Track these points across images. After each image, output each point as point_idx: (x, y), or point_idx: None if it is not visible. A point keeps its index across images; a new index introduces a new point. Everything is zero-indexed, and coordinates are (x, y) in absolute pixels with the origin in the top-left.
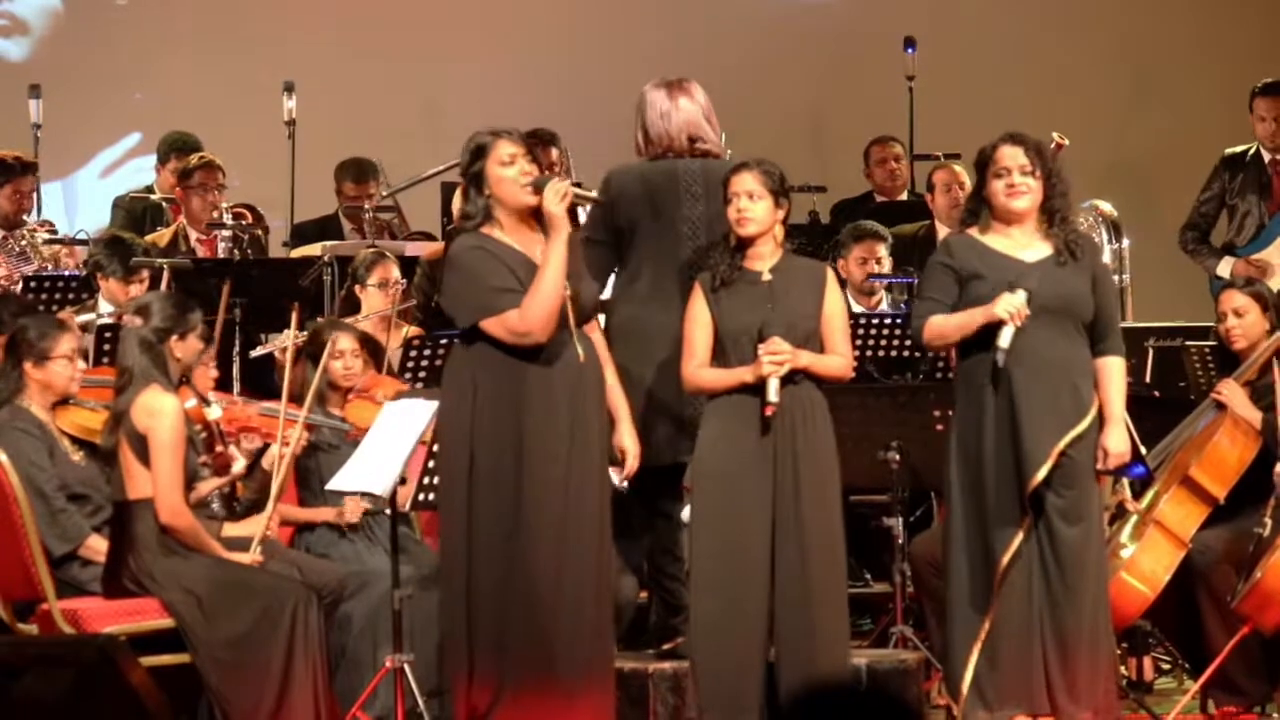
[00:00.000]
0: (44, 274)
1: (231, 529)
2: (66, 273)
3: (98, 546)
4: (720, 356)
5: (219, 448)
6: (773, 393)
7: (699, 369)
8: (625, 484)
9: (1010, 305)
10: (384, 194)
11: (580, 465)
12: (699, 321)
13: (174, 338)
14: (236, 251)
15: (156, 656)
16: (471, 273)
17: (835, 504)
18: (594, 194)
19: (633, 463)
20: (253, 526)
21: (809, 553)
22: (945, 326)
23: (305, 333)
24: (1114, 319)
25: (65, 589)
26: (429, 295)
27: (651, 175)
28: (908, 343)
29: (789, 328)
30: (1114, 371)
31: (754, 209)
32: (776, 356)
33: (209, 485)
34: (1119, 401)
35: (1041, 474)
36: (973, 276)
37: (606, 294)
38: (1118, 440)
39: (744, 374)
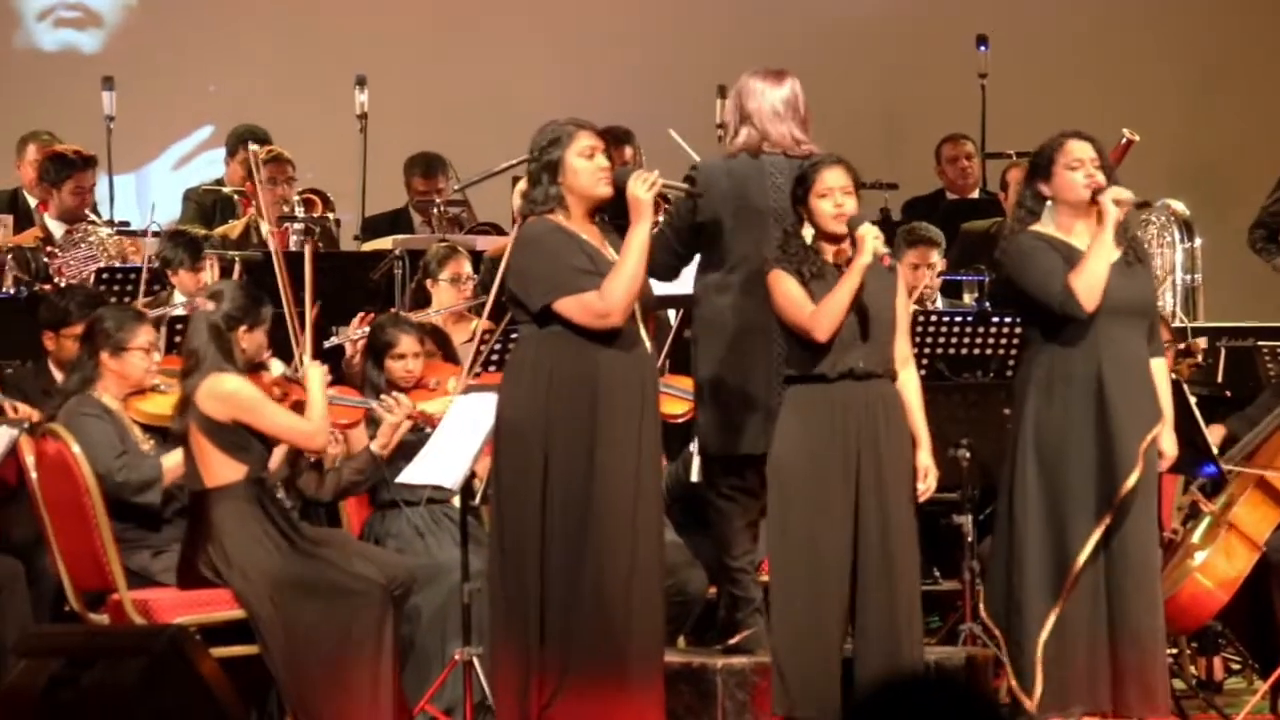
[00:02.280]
0: (115, 267)
1: None
2: (136, 265)
3: (177, 462)
4: (808, 349)
5: (294, 394)
6: (883, 246)
7: (814, 311)
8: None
9: (1118, 196)
10: (454, 188)
11: (648, 455)
12: (800, 294)
13: (243, 328)
14: (308, 244)
15: (227, 647)
16: (550, 253)
17: (913, 501)
18: (684, 185)
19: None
20: None
21: (891, 549)
22: (1087, 271)
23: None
24: (1158, 321)
25: (136, 580)
26: (494, 290)
27: (738, 169)
28: (978, 340)
29: (874, 320)
30: (1163, 373)
31: (848, 204)
32: (880, 239)
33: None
34: (1168, 402)
35: (1135, 477)
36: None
37: (687, 287)
38: (1171, 442)
39: (856, 269)
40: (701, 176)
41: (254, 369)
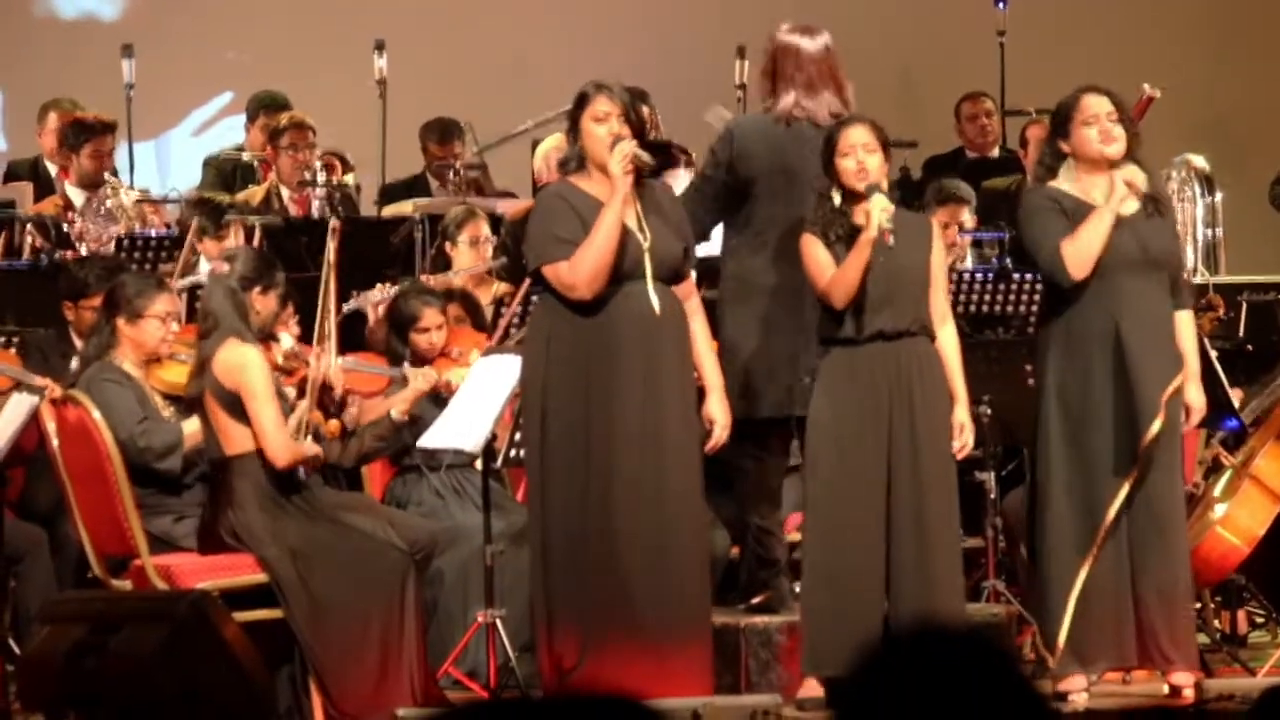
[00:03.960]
0: (135, 234)
1: None
2: (157, 232)
3: (193, 428)
4: (835, 313)
5: (301, 370)
6: (888, 221)
7: (830, 279)
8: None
9: (1131, 179)
10: (473, 151)
11: (656, 418)
12: (825, 260)
13: (256, 290)
14: (329, 210)
15: (250, 612)
16: (543, 219)
17: (950, 457)
18: (647, 158)
19: (720, 433)
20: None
21: (926, 507)
22: (1081, 239)
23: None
24: (1183, 273)
25: (158, 545)
26: (511, 253)
27: (774, 130)
28: (998, 297)
29: (901, 279)
30: (1189, 326)
31: (871, 162)
32: (886, 212)
33: (301, 409)
34: (1196, 356)
35: (1157, 426)
36: (1076, 221)
37: (715, 247)
38: (1198, 394)
39: (863, 243)
40: (736, 136)
41: (264, 339)
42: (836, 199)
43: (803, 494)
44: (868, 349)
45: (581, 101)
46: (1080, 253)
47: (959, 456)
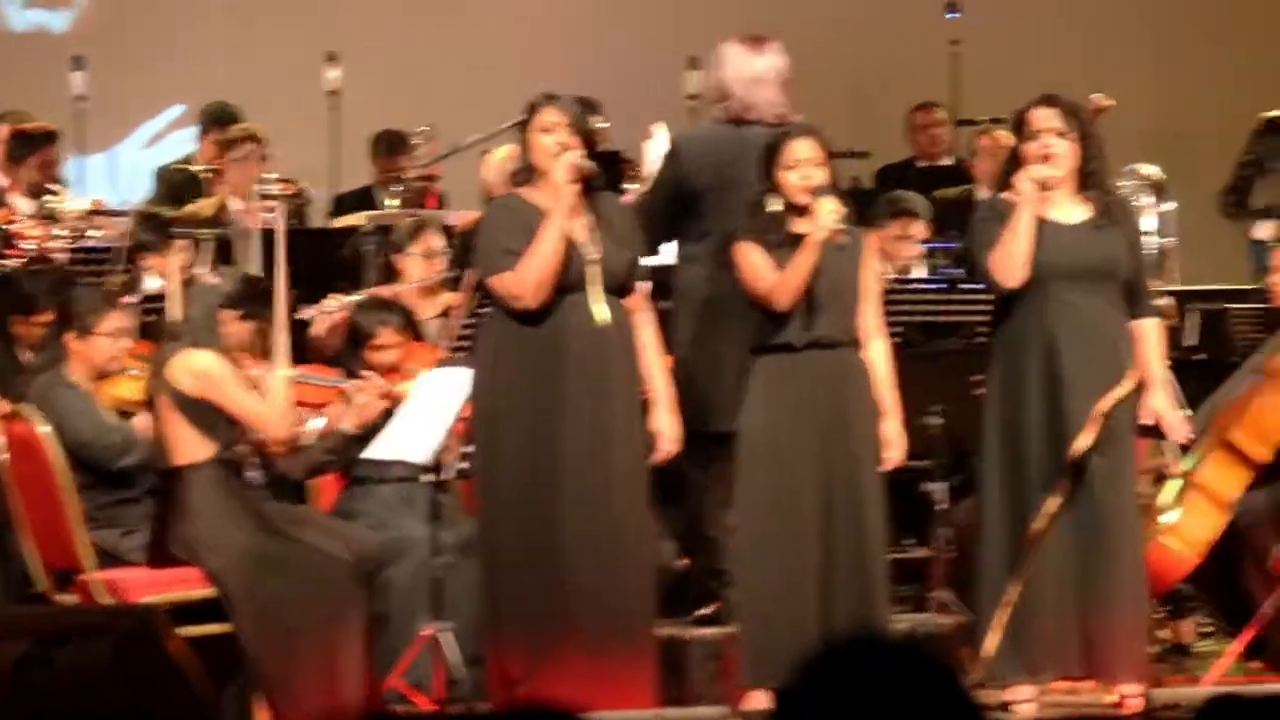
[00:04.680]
0: (85, 246)
1: None
2: (108, 245)
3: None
4: (773, 320)
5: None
6: (838, 222)
7: (774, 282)
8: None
9: (1034, 174)
10: (421, 163)
11: (602, 430)
12: (764, 264)
13: (238, 313)
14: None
15: (198, 626)
16: (490, 231)
17: (881, 469)
18: (590, 165)
19: (668, 445)
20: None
21: (860, 518)
22: (1002, 244)
23: (348, 301)
24: (1146, 282)
25: (106, 559)
26: (463, 265)
27: (719, 141)
28: (949, 307)
29: (838, 289)
30: (1152, 334)
31: (817, 175)
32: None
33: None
34: (1160, 363)
35: (1086, 439)
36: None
37: (672, 259)
38: (1164, 402)
39: (811, 244)
40: (681, 148)
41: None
42: (776, 207)
43: (737, 503)
44: (804, 356)
45: (530, 113)
46: (1004, 258)
47: (887, 468)
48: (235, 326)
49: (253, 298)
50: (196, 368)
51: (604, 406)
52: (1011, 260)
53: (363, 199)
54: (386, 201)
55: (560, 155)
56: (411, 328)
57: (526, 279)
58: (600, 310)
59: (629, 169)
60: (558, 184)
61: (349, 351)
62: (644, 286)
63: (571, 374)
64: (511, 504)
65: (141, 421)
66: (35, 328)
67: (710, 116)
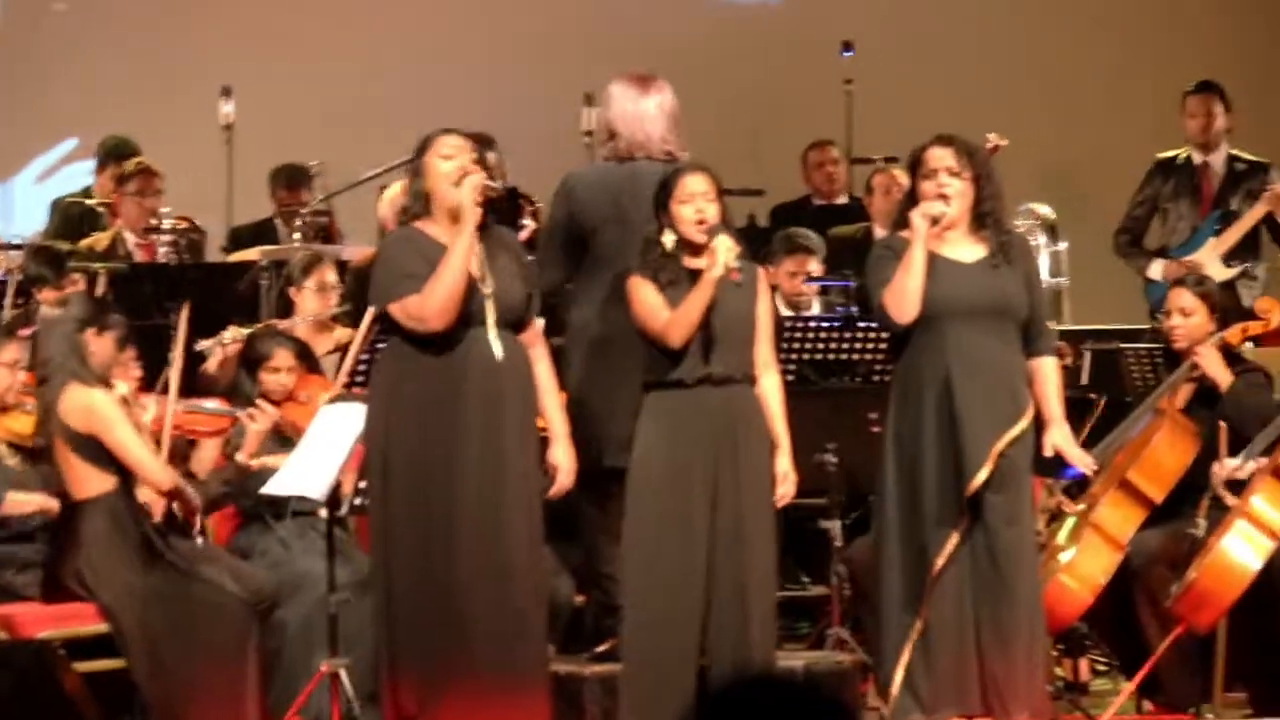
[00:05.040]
0: None
1: None
2: (3, 277)
3: (19, 499)
4: (665, 356)
5: (135, 418)
6: (735, 260)
7: (669, 318)
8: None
9: (925, 211)
10: (319, 198)
11: (495, 466)
12: (657, 301)
13: (91, 330)
14: (174, 256)
15: (92, 662)
16: (387, 260)
17: (772, 506)
18: (498, 185)
19: (564, 479)
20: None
21: (746, 556)
22: (895, 281)
23: (244, 334)
24: (1045, 320)
25: (0, 595)
26: (358, 300)
27: (612, 178)
28: (844, 345)
29: (731, 326)
30: (1050, 372)
31: (710, 210)
32: (732, 251)
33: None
34: (1058, 401)
35: (982, 475)
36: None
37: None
38: (1065, 439)
39: (707, 282)
40: (574, 186)
41: (102, 384)
42: (669, 243)
43: (624, 539)
44: (695, 393)
45: (426, 144)
46: (896, 295)
47: (780, 504)
48: (96, 344)
49: (101, 311)
50: (85, 403)
51: (498, 443)
52: (904, 297)
53: (261, 232)
54: (290, 235)
55: (461, 180)
56: (306, 359)
57: (432, 301)
58: (496, 345)
59: (526, 205)
60: (464, 204)
61: (245, 379)
62: (538, 322)
63: (469, 408)
64: (407, 539)
65: (20, 498)
66: None
67: (601, 155)
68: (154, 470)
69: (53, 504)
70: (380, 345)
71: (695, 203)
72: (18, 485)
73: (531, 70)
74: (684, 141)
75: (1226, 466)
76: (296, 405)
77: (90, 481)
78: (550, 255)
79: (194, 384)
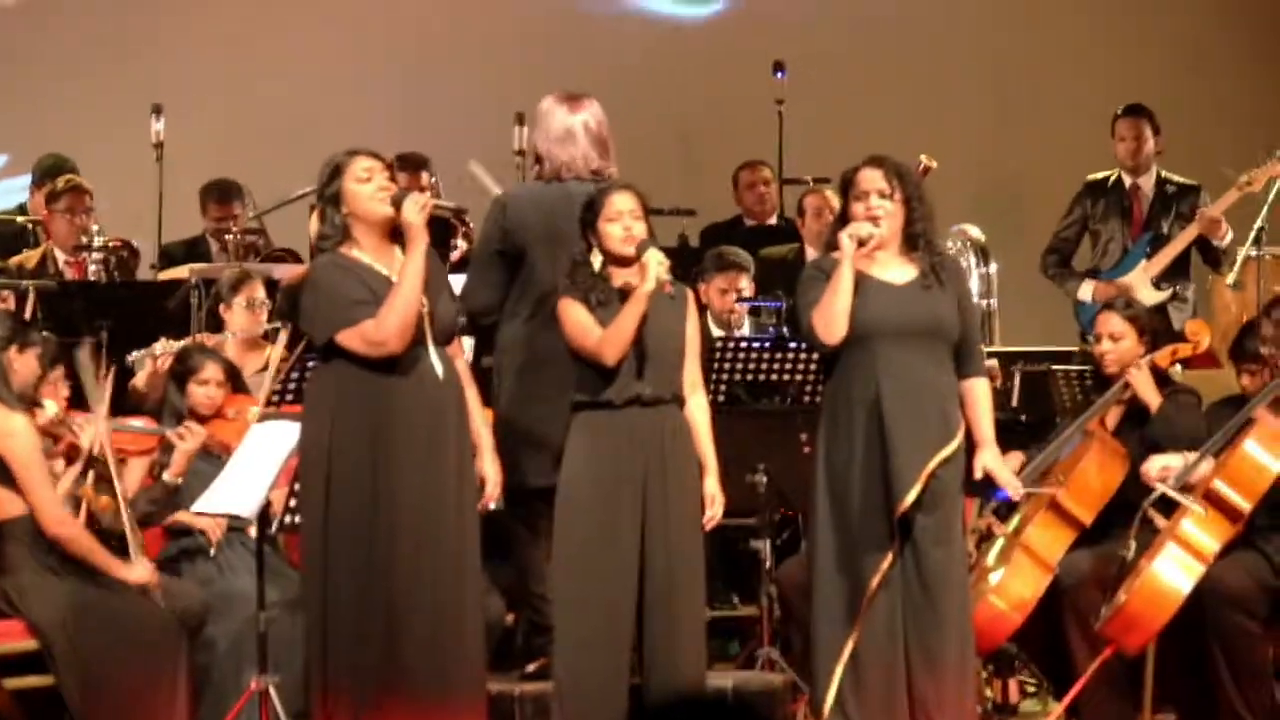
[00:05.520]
0: None
1: None
2: None
3: None
4: (595, 376)
5: (67, 438)
6: (666, 273)
7: (602, 336)
8: (492, 506)
9: (853, 232)
10: (250, 215)
11: (437, 484)
12: (588, 320)
13: (13, 349)
14: (103, 274)
15: (19, 678)
16: (328, 289)
17: (699, 526)
18: (451, 205)
19: (492, 489)
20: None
21: (675, 576)
22: (823, 302)
23: (174, 347)
24: (977, 342)
25: None
26: (288, 319)
27: (545, 197)
28: (775, 366)
29: (661, 346)
30: (981, 393)
31: (637, 228)
32: (663, 265)
33: (68, 478)
34: (989, 422)
35: (911, 496)
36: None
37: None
38: (994, 460)
39: (640, 296)
40: (508, 205)
41: (28, 405)
42: (596, 263)
43: (553, 558)
44: (624, 413)
45: (337, 171)
46: (823, 316)
47: (708, 526)
48: (19, 362)
49: (21, 328)
50: (4, 428)
51: (439, 462)
52: (831, 317)
53: (192, 248)
54: (221, 253)
55: (400, 200)
56: (235, 377)
57: (391, 323)
58: (437, 364)
59: (459, 226)
60: (412, 224)
61: (174, 393)
62: (464, 340)
63: (410, 429)
64: (346, 556)
65: None
66: None
67: (532, 175)
68: (49, 516)
69: None
70: (310, 364)
71: (622, 220)
72: None
73: (464, 89)
74: (613, 160)
75: (1157, 464)
76: (224, 422)
77: (10, 501)
78: (482, 275)
79: (121, 400)
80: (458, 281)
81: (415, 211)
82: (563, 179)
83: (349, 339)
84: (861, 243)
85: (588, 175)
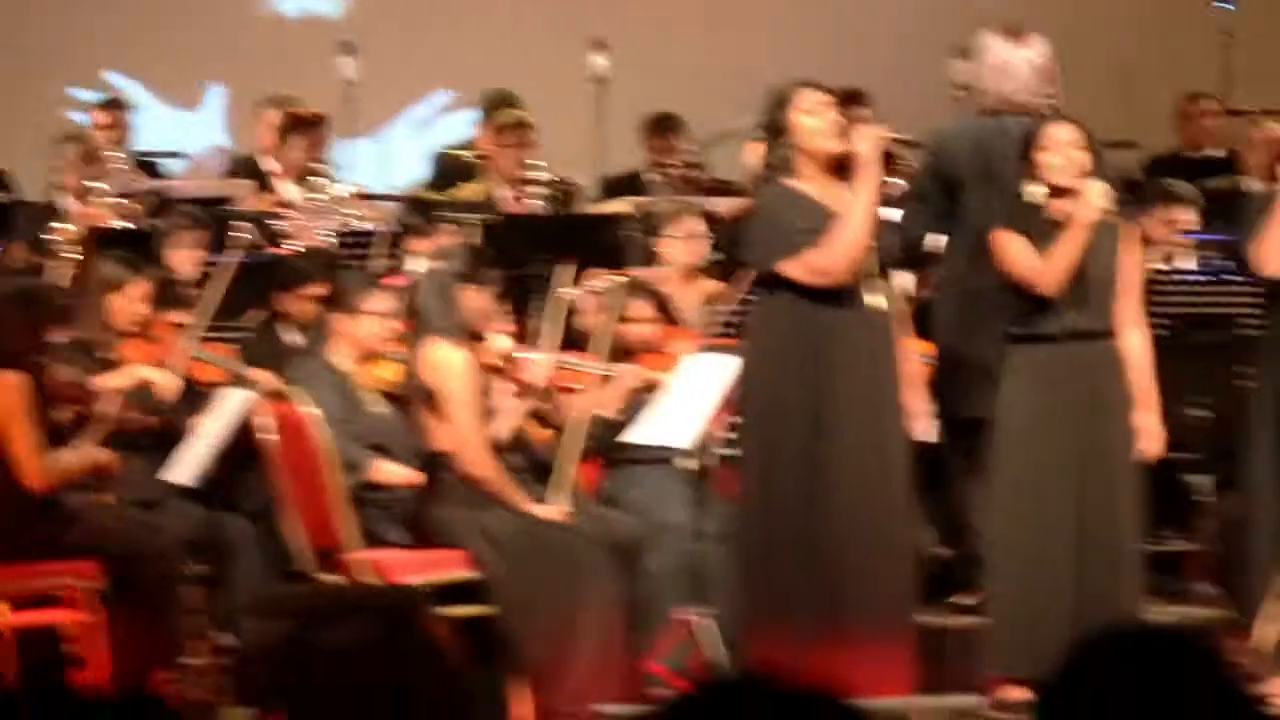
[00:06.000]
0: (349, 229)
1: None
2: (375, 228)
3: (388, 470)
4: (1033, 309)
5: (517, 374)
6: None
7: (1042, 266)
8: (925, 438)
9: None
10: (692, 149)
11: (880, 418)
12: (1027, 251)
13: (471, 286)
14: (546, 208)
15: (459, 607)
16: (773, 217)
17: (1138, 461)
18: (909, 137)
19: (923, 422)
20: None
21: (1115, 510)
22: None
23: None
24: None
25: (369, 539)
26: (730, 252)
27: (983, 133)
28: (1216, 300)
29: (1098, 279)
30: None
31: (1079, 158)
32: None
33: (516, 413)
34: None
35: None
36: None
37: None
38: None
39: (1080, 225)
40: (943, 139)
41: (476, 337)
42: (1037, 195)
43: (991, 491)
44: (1062, 347)
45: (783, 101)
46: (1274, 246)
47: (1146, 461)
48: (474, 299)
49: (482, 265)
50: (437, 362)
51: (879, 393)
52: (1270, 248)
53: (631, 183)
54: (659, 184)
55: (865, 137)
56: (667, 311)
57: (839, 253)
58: (875, 296)
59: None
60: (865, 156)
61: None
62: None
63: (854, 359)
64: (788, 488)
65: (388, 470)
66: (301, 302)
67: (975, 109)
68: (471, 451)
69: (417, 479)
70: (753, 298)
71: (1063, 151)
72: (384, 435)
73: (897, 23)
74: (1059, 96)
75: None
76: (658, 356)
77: (446, 434)
78: (916, 210)
79: (569, 337)
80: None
81: (869, 145)
82: (1000, 113)
83: (794, 268)
84: None
85: (1030, 110)
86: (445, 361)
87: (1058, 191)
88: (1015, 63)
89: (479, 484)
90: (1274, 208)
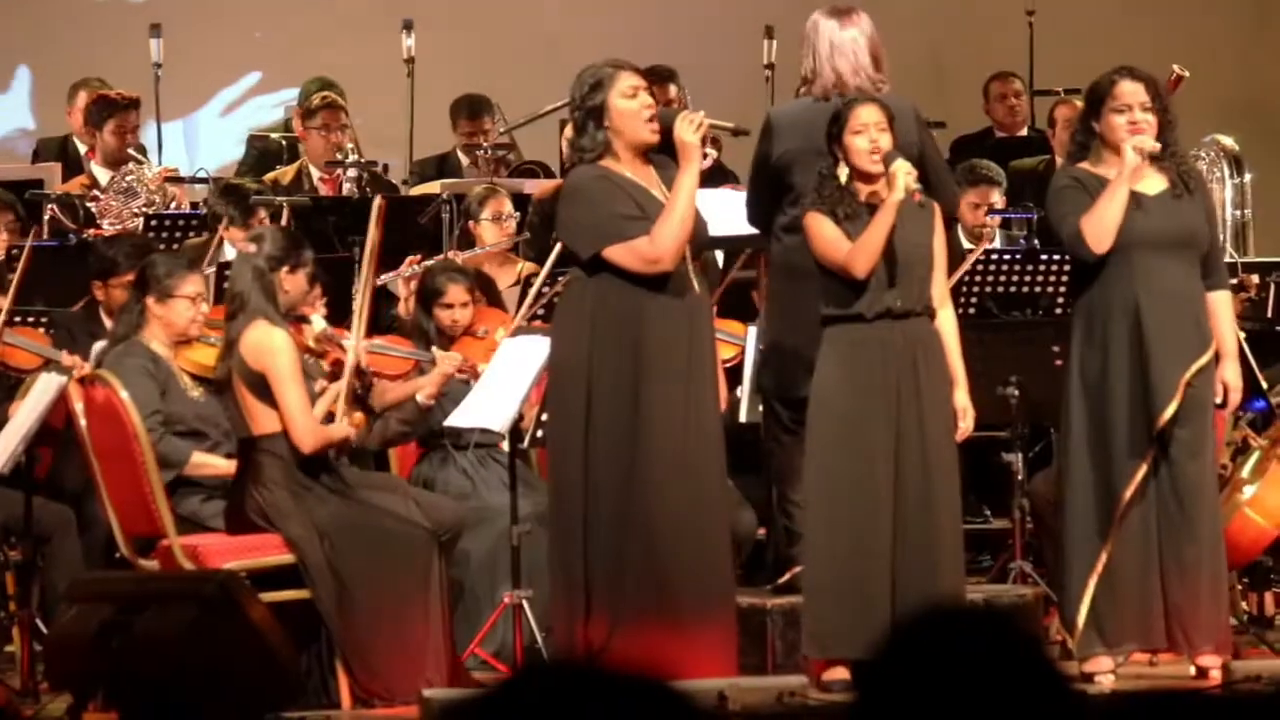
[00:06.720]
0: (161, 213)
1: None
2: (184, 211)
3: (205, 462)
4: (845, 290)
5: (333, 354)
6: (915, 182)
7: (851, 248)
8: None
9: (1139, 145)
10: (501, 130)
11: (697, 398)
12: (836, 234)
13: (284, 269)
14: (357, 190)
15: (277, 592)
16: (595, 202)
17: (953, 438)
18: (729, 124)
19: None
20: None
21: (932, 488)
22: (1096, 212)
23: (424, 265)
24: (1222, 253)
25: (186, 525)
26: (536, 232)
27: (813, 114)
28: (1026, 278)
29: (909, 258)
30: (1225, 305)
31: (883, 140)
32: (911, 174)
33: (331, 394)
34: (1233, 336)
35: (1172, 408)
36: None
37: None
38: (1235, 375)
39: (889, 207)
40: (774, 122)
41: (296, 320)
42: (843, 176)
43: (807, 472)
44: (875, 326)
45: (600, 85)
46: (1097, 226)
47: (960, 439)
48: (289, 282)
49: (295, 248)
50: (261, 344)
51: (699, 373)
52: (1105, 228)
53: (442, 165)
54: (469, 166)
55: (664, 115)
56: (485, 292)
57: (667, 240)
58: (696, 279)
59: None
60: (687, 140)
61: (423, 313)
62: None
63: (672, 342)
64: (604, 471)
65: (203, 459)
66: (115, 291)
67: (803, 91)
68: (301, 431)
69: (232, 470)
70: (562, 278)
71: (868, 133)
72: (200, 419)
73: (713, 2)
74: (886, 75)
75: None
76: (473, 340)
77: (267, 418)
78: (756, 193)
79: (385, 322)
80: (703, 196)
81: (690, 130)
82: (830, 97)
83: (619, 254)
84: (1151, 158)
85: (860, 92)
86: (266, 341)
87: (863, 174)
88: (843, 44)
89: (308, 460)
90: (1092, 187)
